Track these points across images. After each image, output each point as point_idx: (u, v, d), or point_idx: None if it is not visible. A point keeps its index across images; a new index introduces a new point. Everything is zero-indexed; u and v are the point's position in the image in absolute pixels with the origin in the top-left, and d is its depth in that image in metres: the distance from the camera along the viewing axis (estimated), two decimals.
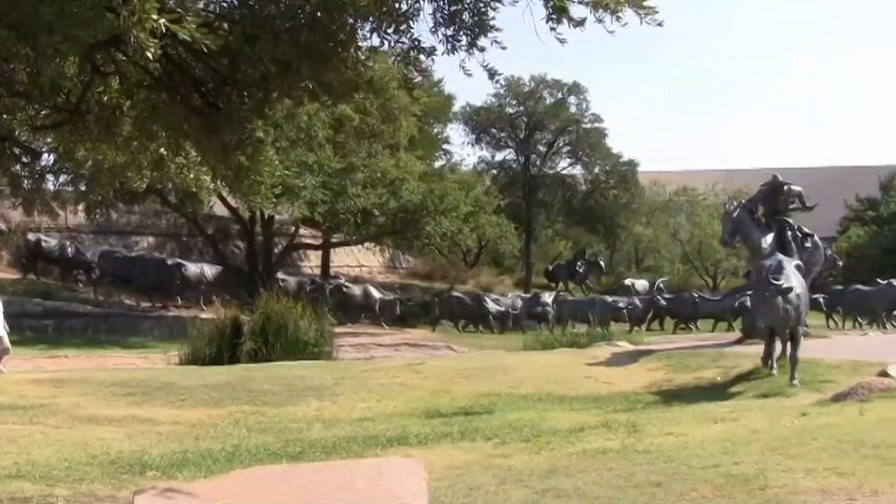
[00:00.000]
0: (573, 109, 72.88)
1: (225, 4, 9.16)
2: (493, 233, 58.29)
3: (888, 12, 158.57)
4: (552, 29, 8.54)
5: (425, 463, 10.82)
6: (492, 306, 49.23)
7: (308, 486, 8.44)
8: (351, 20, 8.95)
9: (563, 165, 75.78)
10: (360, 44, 9.35)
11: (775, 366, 20.68)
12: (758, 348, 22.32)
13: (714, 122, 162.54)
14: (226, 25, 8.77)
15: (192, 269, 46.88)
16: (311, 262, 60.26)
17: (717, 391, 19.57)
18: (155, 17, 6.66)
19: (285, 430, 16.23)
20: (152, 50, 6.86)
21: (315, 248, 57.38)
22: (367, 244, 57.86)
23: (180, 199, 45.02)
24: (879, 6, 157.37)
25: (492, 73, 9.27)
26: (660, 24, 8.32)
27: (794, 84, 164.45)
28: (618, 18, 8.39)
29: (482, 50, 9.04)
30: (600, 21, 8.45)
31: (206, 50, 7.53)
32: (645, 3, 8.21)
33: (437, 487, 9.89)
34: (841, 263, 40.31)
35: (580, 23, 8.48)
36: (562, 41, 8.62)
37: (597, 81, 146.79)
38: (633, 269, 76.29)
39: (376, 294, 48.92)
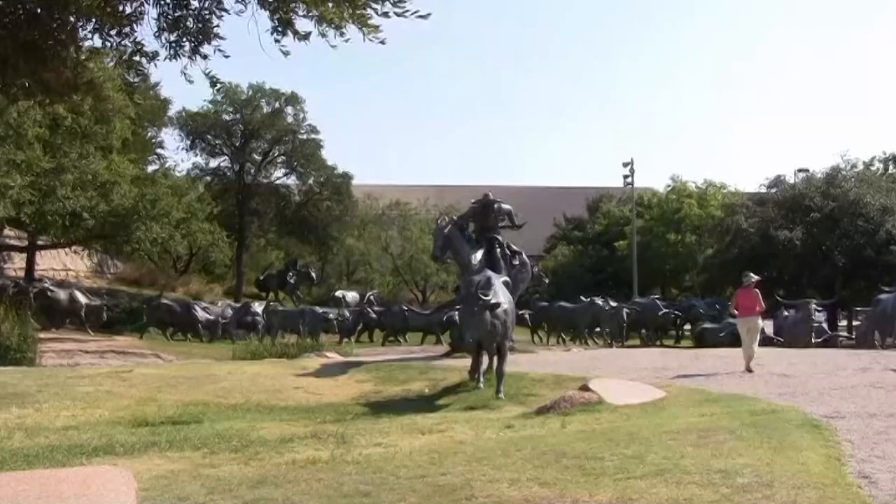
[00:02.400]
0: (290, 120, 72.57)
1: None
2: (205, 240, 57.61)
3: (597, 39, 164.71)
4: (276, 41, 8.57)
5: (133, 472, 10.64)
6: (201, 314, 48.59)
7: (11, 495, 8.16)
8: (73, 19, 8.74)
9: (278, 175, 75.29)
10: (81, 44, 9.14)
11: (482, 379, 21.19)
12: (465, 361, 22.82)
13: (428, 137, 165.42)
14: None
15: None
16: (15, 264, 57.86)
17: (425, 403, 19.90)
18: None
19: None
20: None
21: (20, 249, 55.13)
22: (74, 247, 56.16)
23: None
24: (591, 34, 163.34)
25: (214, 81, 9.21)
26: (382, 42, 8.44)
27: (507, 104, 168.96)
28: (342, 34, 8.47)
29: (205, 57, 8.98)
30: (324, 35, 8.50)
31: None
32: (370, 22, 8.31)
33: (144, 497, 9.71)
34: (546, 281, 41.52)
35: (305, 36, 8.53)
36: (286, 53, 8.66)
37: (314, 93, 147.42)
38: (344, 281, 76.72)
39: (82, 299, 47.32)
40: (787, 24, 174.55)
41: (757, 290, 24.84)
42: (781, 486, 9.65)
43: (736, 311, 25.63)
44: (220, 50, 8.99)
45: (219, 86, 9.35)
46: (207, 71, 9.08)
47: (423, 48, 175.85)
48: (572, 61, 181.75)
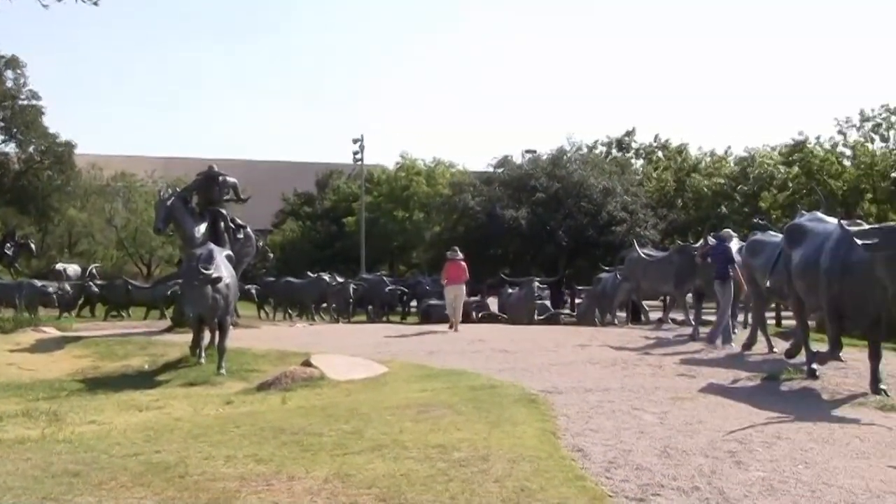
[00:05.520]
0: (9, 84, 69.75)
1: None
2: None
3: (329, 15, 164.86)
4: None
5: None
6: None
7: None
8: None
9: None
10: None
11: (203, 354, 20.99)
12: (187, 337, 22.54)
13: (155, 108, 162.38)
14: None
15: None
16: None
17: (144, 379, 19.56)
18: None
19: None
20: None
21: None
22: None
23: None
24: (323, 9, 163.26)
25: None
26: (95, 3, 8.17)
27: (238, 77, 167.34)
28: None
29: None
30: None
31: None
32: None
33: None
34: (272, 255, 41.38)
35: None
36: None
37: (36, 58, 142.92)
38: (65, 254, 74.52)
39: None
40: (521, 7, 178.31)
41: (463, 263, 27.91)
42: (497, 460, 9.79)
43: (445, 281, 28.52)
44: None
45: None
46: None
47: (148, 15, 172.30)
48: (304, 35, 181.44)
